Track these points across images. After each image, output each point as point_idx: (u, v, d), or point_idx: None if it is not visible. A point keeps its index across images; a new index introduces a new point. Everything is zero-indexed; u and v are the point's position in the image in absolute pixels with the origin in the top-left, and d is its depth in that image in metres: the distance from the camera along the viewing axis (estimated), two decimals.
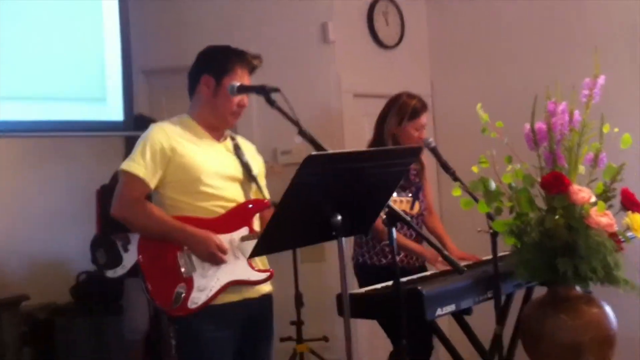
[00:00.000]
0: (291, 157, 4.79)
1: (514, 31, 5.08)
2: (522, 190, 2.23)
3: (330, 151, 2.25)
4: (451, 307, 2.83)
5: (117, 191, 2.65)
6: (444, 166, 3.33)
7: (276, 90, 2.60)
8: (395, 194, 2.50)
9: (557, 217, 2.13)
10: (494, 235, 2.92)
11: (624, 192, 2.29)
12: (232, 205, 2.69)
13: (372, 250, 3.60)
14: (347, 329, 2.22)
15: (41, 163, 4.83)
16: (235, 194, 2.71)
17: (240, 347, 2.71)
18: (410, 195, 2.96)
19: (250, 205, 2.73)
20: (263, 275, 2.70)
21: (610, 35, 4.59)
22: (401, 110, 3.58)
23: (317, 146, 2.48)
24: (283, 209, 2.07)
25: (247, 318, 2.70)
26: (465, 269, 2.36)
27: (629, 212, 2.25)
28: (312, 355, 4.49)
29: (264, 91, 2.60)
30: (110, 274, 4.21)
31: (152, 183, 2.61)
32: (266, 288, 2.77)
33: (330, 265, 4.66)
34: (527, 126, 2.26)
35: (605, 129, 2.30)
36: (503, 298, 3.07)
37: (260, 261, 2.73)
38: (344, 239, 2.19)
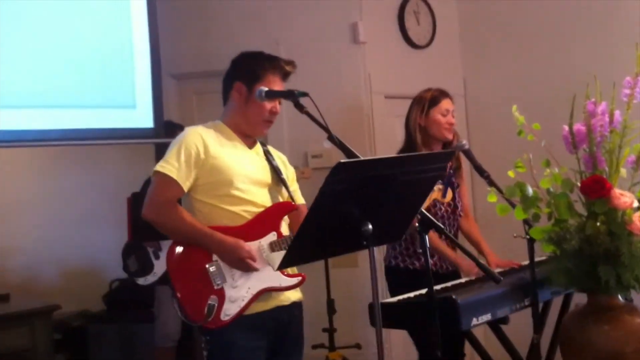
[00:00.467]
0: (322, 161, 4.73)
1: (549, 28, 4.94)
2: (561, 195, 2.13)
3: (360, 158, 2.19)
4: (487, 317, 2.75)
5: (149, 192, 2.62)
6: (479, 169, 3.23)
7: (305, 94, 2.56)
8: None
9: (598, 223, 2.02)
10: (531, 242, 2.84)
11: None
12: (260, 210, 2.64)
13: (405, 253, 3.51)
14: (379, 341, 2.14)
15: (73, 170, 4.85)
16: (264, 200, 2.68)
17: (272, 356, 2.66)
18: (441, 183, 2.87)
19: (276, 209, 2.69)
20: (294, 280, 2.65)
21: None
22: (420, 101, 3.55)
23: (347, 151, 2.42)
24: (312, 218, 2.01)
25: (278, 326, 2.66)
26: (502, 278, 2.26)
27: None
28: None
29: (292, 96, 2.57)
30: (141, 281, 4.20)
31: (186, 186, 2.58)
32: (296, 295, 2.73)
33: (362, 270, 4.58)
34: (566, 128, 2.16)
35: None
36: (540, 305, 2.97)
37: None
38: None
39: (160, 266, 4.20)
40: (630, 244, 2.04)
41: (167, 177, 2.57)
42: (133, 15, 3.92)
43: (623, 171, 2.22)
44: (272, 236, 2.62)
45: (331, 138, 2.48)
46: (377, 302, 2.15)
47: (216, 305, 2.52)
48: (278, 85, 2.71)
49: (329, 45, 4.82)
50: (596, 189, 2.07)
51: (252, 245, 2.58)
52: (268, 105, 2.69)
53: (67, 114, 3.58)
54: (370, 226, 2.09)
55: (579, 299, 3.38)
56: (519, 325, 2.98)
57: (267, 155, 2.80)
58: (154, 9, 3.91)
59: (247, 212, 2.62)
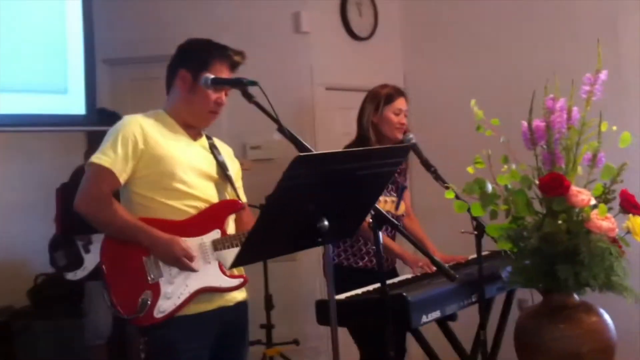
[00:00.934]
0: (261, 153, 4.63)
1: (497, 22, 4.89)
2: (519, 192, 2.09)
3: (319, 151, 2.09)
4: (436, 314, 2.72)
5: (82, 184, 2.45)
6: (425, 164, 3.19)
7: (254, 83, 2.45)
8: None
9: (560, 221, 1.99)
10: (479, 237, 2.81)
11: (623, 194, 2.17)
12: (205, 205, 2.51)
13: (350, 251, 3.44)
14: (334, 339, 2.06)
15: None
16: (209, 194, 2.54)
17: (214, 358, 2.54)
18: (395, 195, 2.83)
19: (223, 207, 2.56)
20: (236, 282, 2.53)
21: (612, 27, 4.36)
22: (375, 98, 3.47)
23: (298, 144, 2.32)
24: (268, 213, 1.91)
25: (222, 327, 2.54)
26: (457, 275, 2.21)
27: (630, 216, 2.12)
28: None
29: (240, 84, 2.45)
30: (70, 276, 4.01)
31: (122, 178, 2.43)
32: (241, 295, 2.61)
33: (301, 265, 4.51)
34: (525, 124, 2.12)
35: (604, 127, 2.18)
36: None
37: None
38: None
39: (90, 260, 4.02)
40: (589, 242, 2.02)
41: (102, 168, 2.41)
42: None
43: (579, 169, 2.20)
44: (215, 234, 2.49)
45: (281, 129, 2.37)
46: (333, 299, 2.06)
47: (150, 300, 2.38)
48: (225, 75, 2.58)
49: (270, 35, 4.71)
50: (554, 186, 2.04)
51: (193, 242, 2.45)
52: (213, 95, 2.56)
53: None
54: (326, 222, 2.01)
55: (521, 294, 3.43)
56: (462, 322, 2.95)
57: (213, 149, 2.66)
58: None
59: (190, 206, 2.48)
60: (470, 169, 2.13)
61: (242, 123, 4.31)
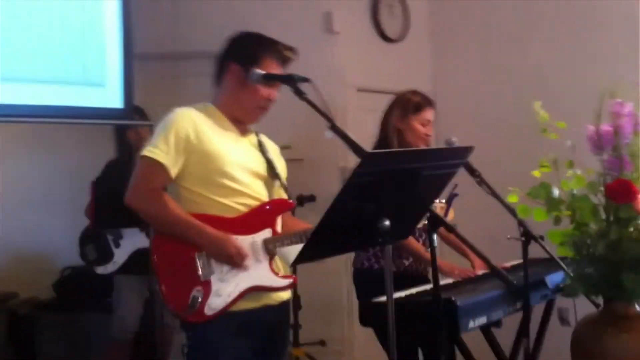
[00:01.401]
0: (291, 152, 4.58)
1: (530, 23, 4.86)
2: (584, 198, 2.05)
3: (387, 150, 2.06)
4: (483, 319, 2.67)
5: (134, 178, 2.42)
6: (469, 169, 3.14)
7: (306, 80, 2.41)
8: None
9: (631, 229, 1.95)
10: (526, 244, 2.77)
11: None
12: (255, 203, 2.48)
13: (380, 255, 3.36)
14: (392, 341, 2.02)
15: (27, 149, 4.55)
16: (259, 192, 2.51)
17: (256, 356, 2.51)
18: (444, 201, 2.78)
19: (274, 206, 2.52)
20: (286, 282, 2.50)
21: None
22: (404, 104, 3.41)
23: (350, 143, 2.27)
24: (334, 211, 1.87)
25: (265, 326, 2.51)
26: (514, 281, 2.17)
27: None
28: None
29: (291, 81, 2.41)
30: (100, 270, 3.98)
31: (173, 172, 2.39)
32: (286, 295, 2.59)
33: (329, 266, 4.46)
34: (592, 128, 2.08)
35: None
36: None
37: (282, 266, 2.53)
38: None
39: (120, 255, 4.00)
40: None
41: (155, 162, 2.37)
42: None
43: None
44: (266, 233, 2.46)
45: (334, 128, 2.33)
46: (391, 301, 2.02)
47: (200, 297, 2.34)
48: (276, 71, 2.54)
49: (301, 34, 4.66)
50: (623, 193, 2.01)
51: (244, 240, 2.42)
52: (264, 90, 2.53)
53: (30, 89, 3.29)
54: (387, 222, 1.97)
55: (560, 303, 3.39)
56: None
57: (261, 146, 2.63)
58: None
59: (240, 204, 2.45)
60: (536, 173, 2.09)
61: (271, 122, 4.29)
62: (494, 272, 2.22)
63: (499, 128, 4.81)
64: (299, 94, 2.38)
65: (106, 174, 3.98)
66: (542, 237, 2.85)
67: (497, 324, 2.80)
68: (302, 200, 4.21)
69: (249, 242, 2.43)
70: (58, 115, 3.46)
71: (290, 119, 3.91)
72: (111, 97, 3.53)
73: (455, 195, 3.12)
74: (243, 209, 2.45)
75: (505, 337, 2.99)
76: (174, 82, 4.69)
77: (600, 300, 2.22)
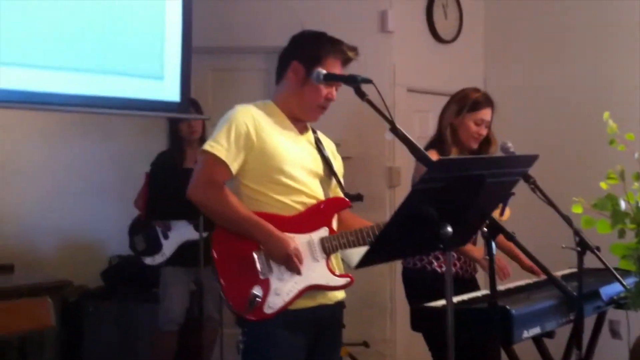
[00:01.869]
0: (340, 151, 4.57)
1: (578, 32, 4.80)
2: None
3: (455, 156, 2.05)
4: (536, 329, 2.63)
5: (196, 172, 2.43)
6: (524, 175, 3.09)
7: (368, 81, 2.40)
8: None
9: None
10: (581, 254, 2.74)
11: None
12: (312, 202, 2.49)
13: (433, 255, 3.33)
14: (450, 346, 2.00)
15: (82, 138, 4.61)
16: (316, 191, 2.51)
17: (311, 354, 2.52)
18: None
19: (330, 204, 2.53)
20: (343, 281, 2.50)
21: None
22: (462, 100, 3.37)
23: (410, 145, 2.27)
24: (401, 215, 1.86)
25: (320, 324, 2.51)
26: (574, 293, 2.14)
27: None
28: None
29: (353, 81, 2.41)
30: (149, 261, 4.03)
31: (234, 168, 2.40)
32: (341, 294, 2.59)
33: (373, 267, 4.44)
34: None
35: None
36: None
37: (337, 265, 2.53)
38: None
39: (168, 247, 4.04)
40: None
41: (215, 157, 2.39)
42: None
43: None
44: (323, 231, 2.46)
45: (395, 130, 2.32)
46: (451, 308, 2.01)
47: (260, 296, 2.36)
48: (337, 71, 2.55)
49: (355, 32, 4.64)
50: None
51: (301, 239, 2.42)
52: (325, 90, 2.53)
53: (89, 79, 3.35)
54: (450, 229, 1.96)
55: (611, 315, 3.33)
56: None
57: (318, 143, 2.63)
58: None
59: (297, 202, 2.46)
60: (603, 185, 2.06)
61: (322, 119, 4.29)
62: (552, 282, 2.19)
63: (554, 135, 4.73)
64: (361, 95, 2.38)
65: (158, 166, 4.02)
66: (598, 248, 2.83)
67: (550, 334, 2.77)
68: (348, 198, 4.19)
69: (306, 240, 2.43)
70: (117, 107, 3.51)
71: (341, 117, 3.90)
72: (169, 90, 3.57)
73: (512, 194, 3.08)
74: (300, 208, 2.46)
75: (552, 347, 2.96)
76: (227, 76, 4.72)
77: None
